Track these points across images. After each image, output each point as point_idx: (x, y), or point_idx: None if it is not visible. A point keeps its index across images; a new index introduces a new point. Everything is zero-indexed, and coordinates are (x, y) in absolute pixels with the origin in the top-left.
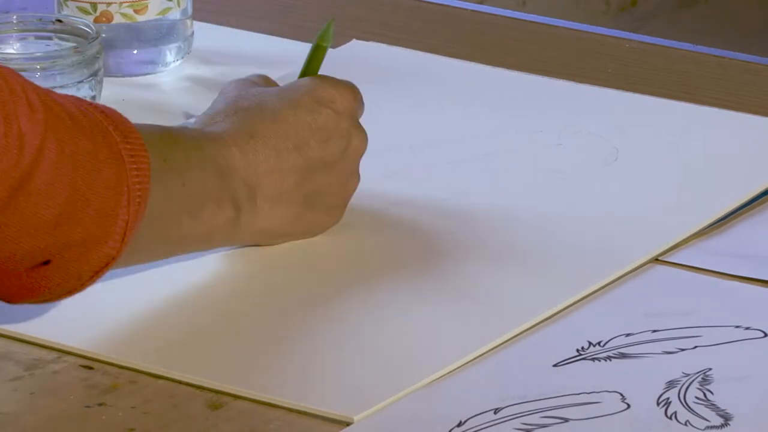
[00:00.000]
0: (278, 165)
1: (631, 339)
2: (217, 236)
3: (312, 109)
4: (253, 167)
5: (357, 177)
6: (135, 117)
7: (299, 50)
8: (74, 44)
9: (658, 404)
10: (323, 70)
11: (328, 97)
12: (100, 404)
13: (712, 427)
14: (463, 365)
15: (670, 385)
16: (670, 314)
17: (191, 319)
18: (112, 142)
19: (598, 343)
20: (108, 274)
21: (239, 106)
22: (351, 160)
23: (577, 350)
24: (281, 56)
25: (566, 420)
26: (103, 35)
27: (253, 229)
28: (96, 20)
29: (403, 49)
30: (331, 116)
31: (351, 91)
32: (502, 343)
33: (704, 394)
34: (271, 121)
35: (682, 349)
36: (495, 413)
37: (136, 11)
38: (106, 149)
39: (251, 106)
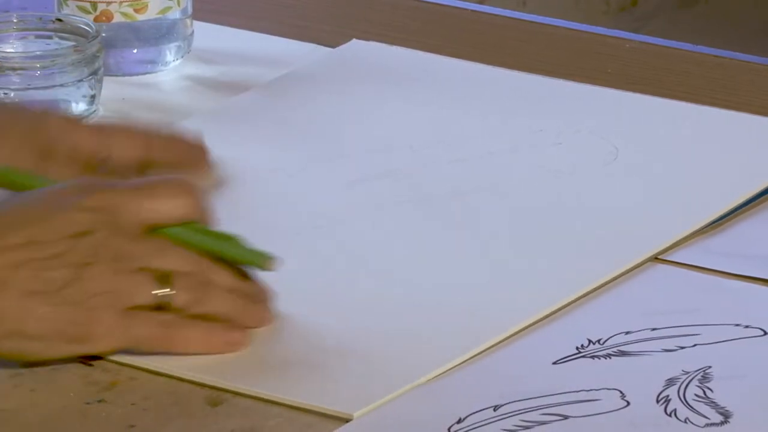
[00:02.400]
0: None
1: (630, 337)
2: None
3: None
4: None
5: (99, 269)
6: (135, 116)
7: (299, 50)
8: (74, 43)
9: (657, 402)
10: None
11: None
12: (99, 401)
13: (711, 425)
14: (462, 362)
15: (670, 382)
16: (669, 312)
17: None
18: None
19: (598, 341)
20: None
21: None
22: (85, 250)
23: (577, 348)
24: (281, 56)
25: (566, 417)
26: (103, 34)
27: None
28: (96, 19)
29: (403, 49)
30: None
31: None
32: (502, 341)
33: (704, 392)
34: None
35: (682, 347)
36: (495, 410)
37: (136, 10)
38: None
39: None
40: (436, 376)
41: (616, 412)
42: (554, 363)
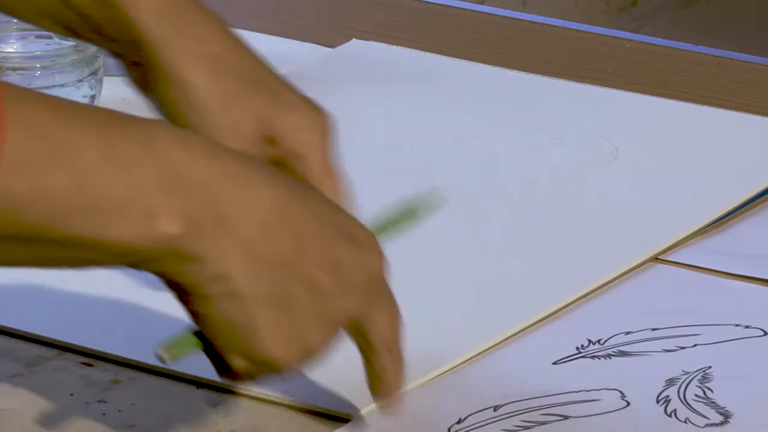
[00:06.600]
0: (267, 229)
1: (630, 337)
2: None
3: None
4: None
5: (333, 329)
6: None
7: (299, 50)
8: (74, 43)
9: (657, 402)
10: (327, 77)
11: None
12: (100, 401)
13: (711, 425)
14: (463, 363)
15: (670, 382)
16: (669, 312)
17: None
18: None
19: (598, 341)
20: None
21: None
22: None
23: (577, 348)
24: (281, 56)
25: (566, 417)
26: None
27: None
28: None
29: (403, 49)
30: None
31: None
32: (502, 341)
33: (704, 392)
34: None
35: (682, 347)
36: (495, 410)
37: None
38: None
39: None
40: (436, 376)
41: (616, 412)
42: (554, 363)
